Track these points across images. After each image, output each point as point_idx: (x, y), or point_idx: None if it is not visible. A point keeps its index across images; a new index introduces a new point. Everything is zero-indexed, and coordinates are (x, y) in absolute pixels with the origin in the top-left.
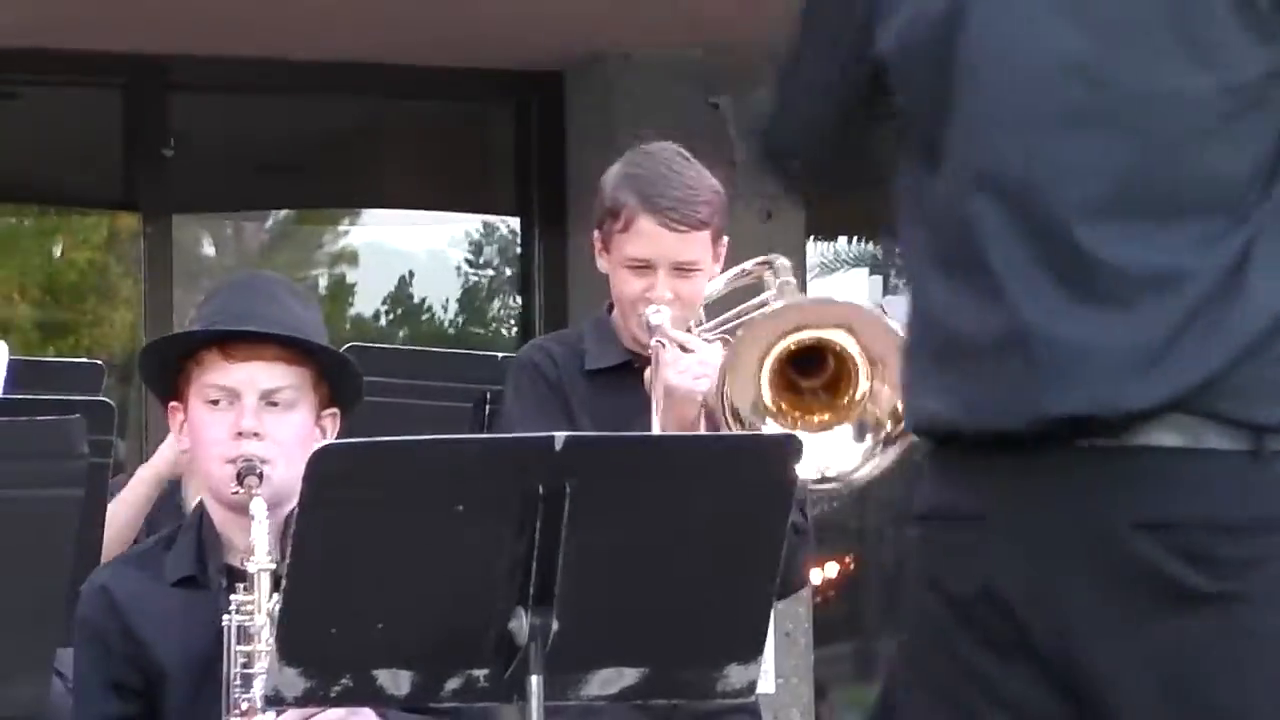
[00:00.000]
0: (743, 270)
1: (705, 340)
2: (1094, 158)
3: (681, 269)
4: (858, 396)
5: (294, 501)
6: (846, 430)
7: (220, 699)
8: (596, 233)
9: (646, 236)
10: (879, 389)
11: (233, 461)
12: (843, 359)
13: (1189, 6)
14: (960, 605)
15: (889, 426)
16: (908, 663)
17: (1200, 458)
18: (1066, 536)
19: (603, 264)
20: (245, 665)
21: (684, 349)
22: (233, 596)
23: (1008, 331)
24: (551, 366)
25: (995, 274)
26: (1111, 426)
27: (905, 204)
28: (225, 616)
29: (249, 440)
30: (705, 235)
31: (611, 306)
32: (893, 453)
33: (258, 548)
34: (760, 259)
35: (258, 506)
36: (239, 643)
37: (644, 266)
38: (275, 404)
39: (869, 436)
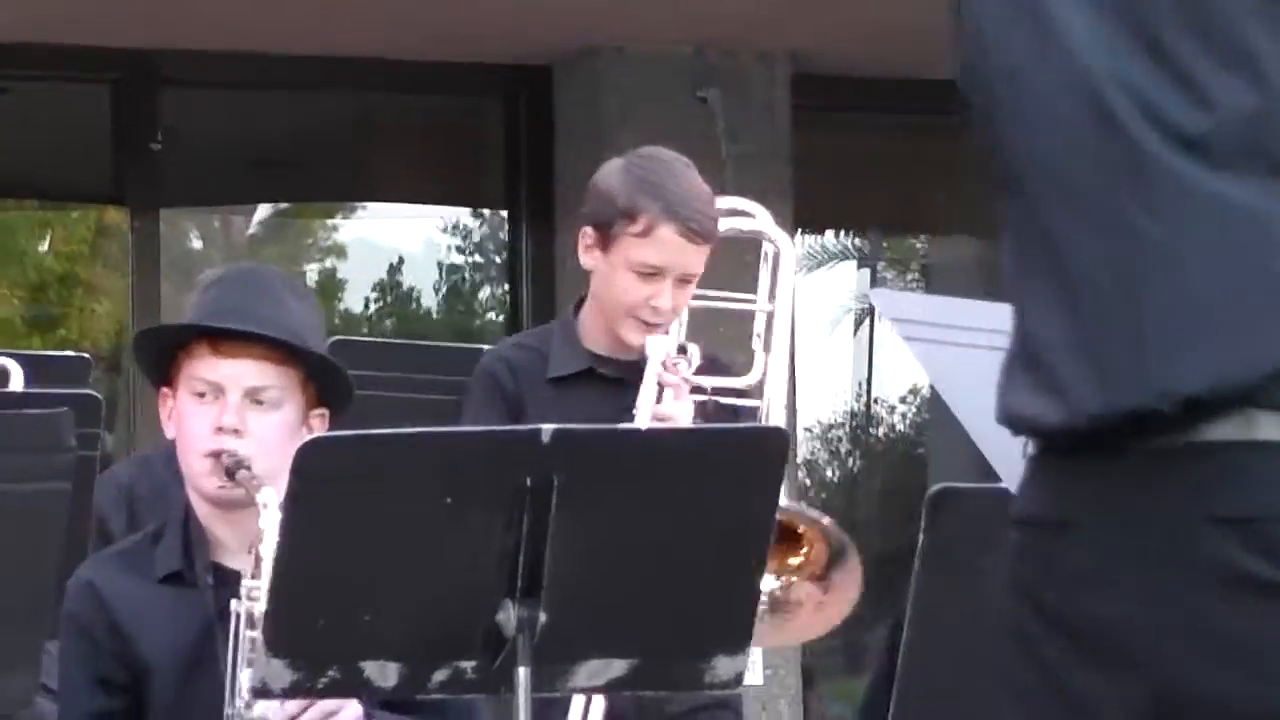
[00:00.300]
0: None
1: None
2: None
3: (685, 279)
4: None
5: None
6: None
7: (207, 695)
8: (591, 230)
9: (666, 245)
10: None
11: (212, 456)
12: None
13: None
14: (1047, 612)
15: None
16: (1000, 670)
17: (1269, 451)
18: (1146, 537)
19: (591, 261)
20: (252, 650)
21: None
22: (243, 582)
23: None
24: (510, 378)
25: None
26: (1180, 422)
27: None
28: (234, 602)
29: (228, 436)
30: (708, 248)
31: (579, 306)
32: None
33: (268, 534)
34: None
35: (268, 495)
36: (248, 628)
37: (653, 274)
38: (260, 402)
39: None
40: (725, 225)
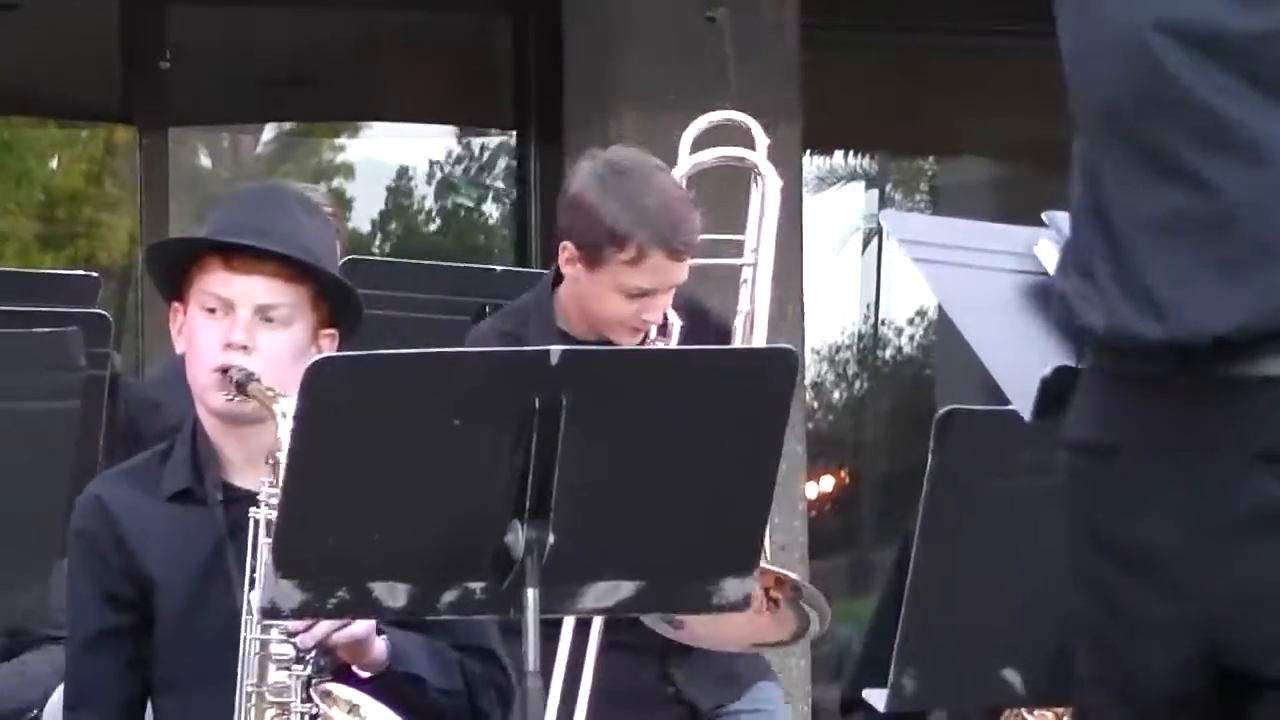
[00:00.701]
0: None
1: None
2: None
3: (673, 288)
4: None
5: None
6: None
7: (217, 610)
8: (574, 247)
9: (657, 269)
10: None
11: (220, 370)
12: None
13: None
14: (1100, 537)
15: None
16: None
17: None
18: (1195, 468)
19: (574, 273)
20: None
21: None
22: (263, 490)
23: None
24: None
25: None
26: (1233, 357)
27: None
28: (254, 510)
29: (237, 352)
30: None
31: (557, 281)
32: None
33: (285, 444)
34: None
35: (286, 405)
36: (267, 536)
37: (644, 294)
38: (270, 319)
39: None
40: (719, 154)
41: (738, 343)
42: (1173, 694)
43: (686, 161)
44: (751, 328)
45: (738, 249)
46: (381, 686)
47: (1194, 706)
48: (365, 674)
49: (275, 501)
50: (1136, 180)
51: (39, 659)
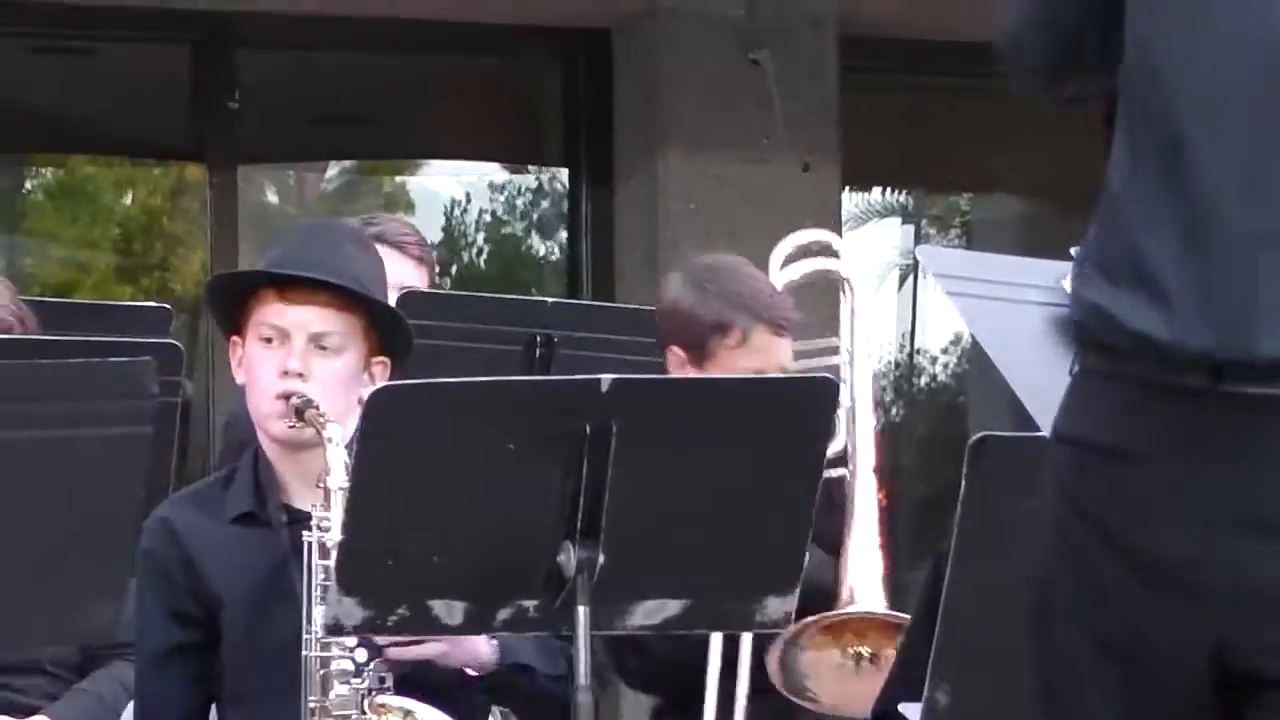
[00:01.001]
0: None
1: None
2: None
3: (783, 368)
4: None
5: (345, 434)
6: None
7: (281, 627)
8: (681, 350)
9: (764, 348)
10: None
11: (281, 398)
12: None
13: None
14: (1112, 538)
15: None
16: (1044, 583)
17: None
18: (1221, 483)
19: (686, 374)
20: (325, 579)
21: None
22: (313, 515)
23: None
24: None
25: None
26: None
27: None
28: (306, 533)
29: (293, 380)
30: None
31: None
32: None
33: (334, 468)
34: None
35: (334, 430)
36: (321, 558)
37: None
38: (324, 347)
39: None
40: (806, 269)
41: (842, 435)
42: (1175, 704)
43: (778, 278)
44: (854, 420)
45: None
46: (495, 682)
47: (1195, 715)
48: (476, 674)
49: (326, 524)
50: (1246, 192)
51: (109, 680)
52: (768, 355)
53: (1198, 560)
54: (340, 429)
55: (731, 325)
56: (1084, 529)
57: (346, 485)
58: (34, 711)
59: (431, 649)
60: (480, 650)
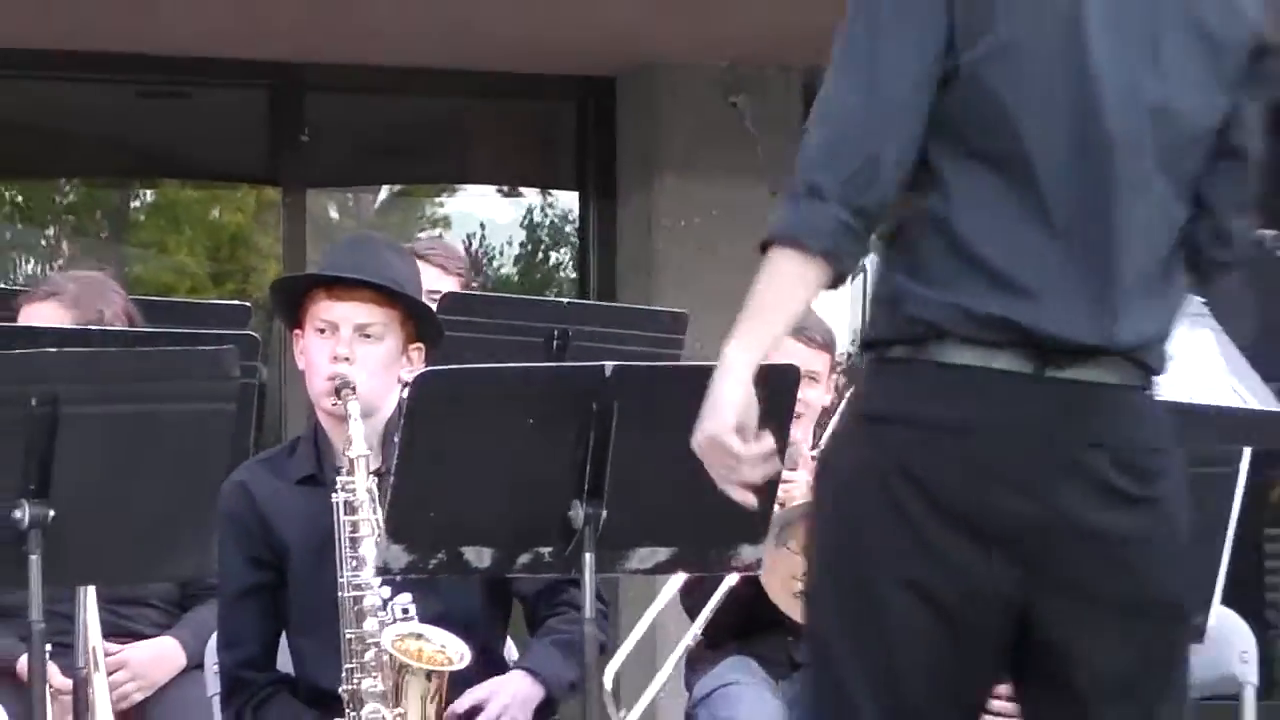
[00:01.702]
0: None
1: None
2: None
3: (812, 377)
4: None
5: (384, 411)
6: None
7: (332, 571)
8: None
9: (792, 354)
10: None
11: (330, 379)
12: None
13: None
14: (940, 501)
15: None
16: (854, 534)
17: (1133, 393)
18: (1048, 452)
19: None
20: (353, 531)
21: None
22: (337, 479)
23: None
24: None
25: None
26: (1088, 361)
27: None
28: (334, 494)
29: (342, 364)
30: (828, 354)
31: None
32: None
33: (355, 440)
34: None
35: (354, 408)
36: (346, 514)
37: None
38: (367, 335)
39: None
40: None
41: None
42: (977, 636)
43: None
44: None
45: None
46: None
47: (994, 669)
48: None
49: (350, 486)
50: (1124, 196)
51: (207, 611)
52: (788, 356)
53: (1022, 517)
54: (358, 406)
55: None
56: (910, 490)
57: (365, 453)
58: (144, 637)
59: (509, 707)
60: (529, 692)
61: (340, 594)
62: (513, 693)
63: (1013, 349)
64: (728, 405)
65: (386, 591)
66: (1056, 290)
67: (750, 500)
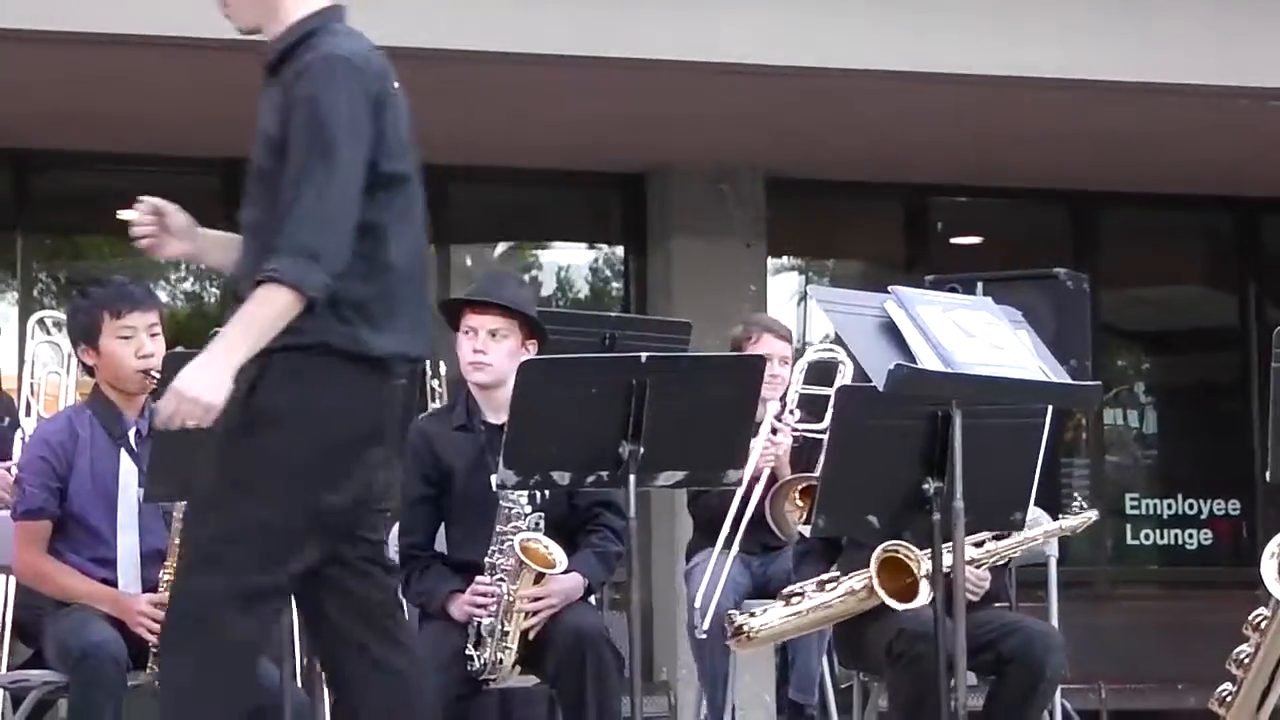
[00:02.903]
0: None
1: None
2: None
3: (784, 359)
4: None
5: (509, 384)
6: None
7: (481, 488)
8: (735, 347)
9: (770, 345)
10: None
11: (471, 365)
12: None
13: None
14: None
15: None
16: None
17: None
18: (394, 432)
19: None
20: None
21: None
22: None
23: None
24: None
25: None
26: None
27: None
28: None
29: (481, 354)
30: (790, 344)
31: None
32: None
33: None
34: (827, 348)
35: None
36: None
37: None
38: (495, 336)
39: None
40: (822, 355)
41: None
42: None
43: (808, 357)
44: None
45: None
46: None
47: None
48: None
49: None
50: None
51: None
52: (769, 347)
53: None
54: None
55: (751, 333)
56: (350, 483)
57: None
58: None
59: (556, 600)
60: (578, 587)
61: (501, 503)
62: (566, 587)
63: None
64: (222, 389)
65: (529, 507)
66: None
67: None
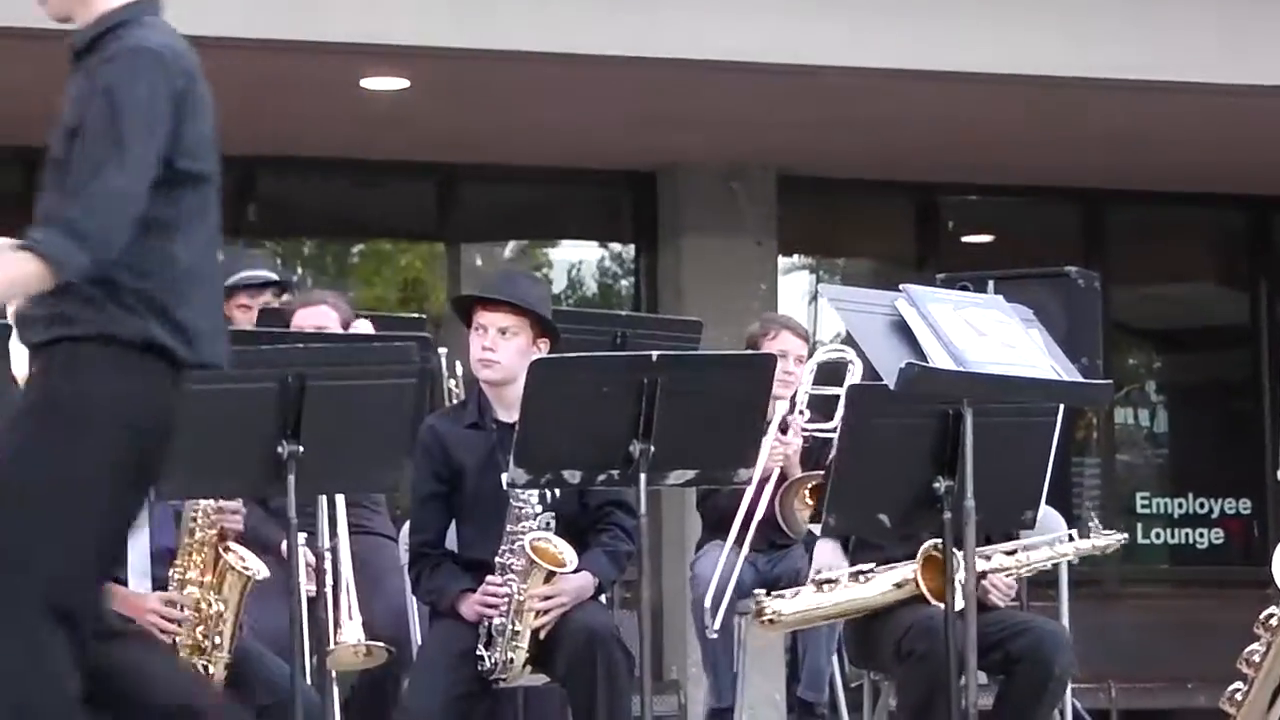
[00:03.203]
0: (828, 358)
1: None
2: None
3: (799, 358)
4: None
5: (520, 381)
6: None
7: (492, 486)
8: (751, 344)
9: (788, 341)
10: None
11: (481, 362)
12: None
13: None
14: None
15: None
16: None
17: None
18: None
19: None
20: None
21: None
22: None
23: None
24: None
25: None
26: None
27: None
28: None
29: (489, 352)
30: (806, 342)
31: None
32: None
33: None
34: (836, 348)
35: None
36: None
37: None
38: (505, 334)
39: None
40: (831, 355)
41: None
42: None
43: (817, 357)
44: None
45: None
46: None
47: None
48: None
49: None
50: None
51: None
52: (788, 344)
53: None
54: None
55: (768, 330)
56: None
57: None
58: (363, 529)
59: (567, 599)
60: (588, 586)
61: (512, 502)
62: (576, 586)
63: None
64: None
65: (539, 507)
66: None
67: None
